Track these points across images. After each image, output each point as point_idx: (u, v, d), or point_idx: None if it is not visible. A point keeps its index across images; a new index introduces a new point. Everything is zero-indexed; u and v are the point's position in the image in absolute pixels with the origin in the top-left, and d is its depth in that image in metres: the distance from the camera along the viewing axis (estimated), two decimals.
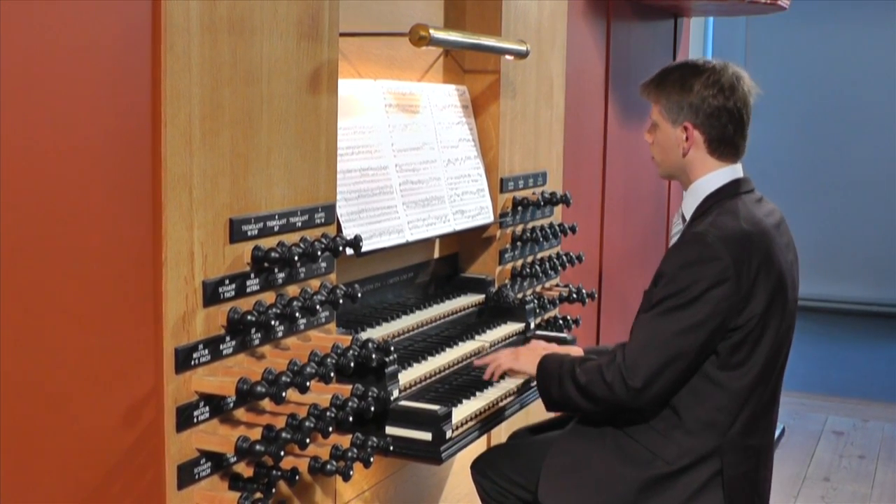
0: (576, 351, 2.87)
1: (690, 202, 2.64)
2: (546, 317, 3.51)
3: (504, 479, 2.77)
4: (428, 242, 3.11)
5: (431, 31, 2.58)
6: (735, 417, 2.52)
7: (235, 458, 2.06)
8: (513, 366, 2.76)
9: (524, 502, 2.76)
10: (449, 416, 2.44)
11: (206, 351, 1.99)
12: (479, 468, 2.84)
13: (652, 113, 2.69)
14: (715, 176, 2.61)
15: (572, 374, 2.55)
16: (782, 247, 2.57)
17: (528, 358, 2.73)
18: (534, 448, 2.81)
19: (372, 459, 2.24)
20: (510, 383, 2.83)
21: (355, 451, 2.20)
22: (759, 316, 2.48)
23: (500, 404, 2.75)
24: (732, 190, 2.60)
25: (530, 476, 2.70)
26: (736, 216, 2.52)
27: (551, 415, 3.00)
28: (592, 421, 2.64)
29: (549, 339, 3.09)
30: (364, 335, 2.59)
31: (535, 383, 2.76)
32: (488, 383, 2.80)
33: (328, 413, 2.13)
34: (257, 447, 1.98)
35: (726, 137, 2.60)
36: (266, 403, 2.14)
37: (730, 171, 2.62)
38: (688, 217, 2.64)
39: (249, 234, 2.08)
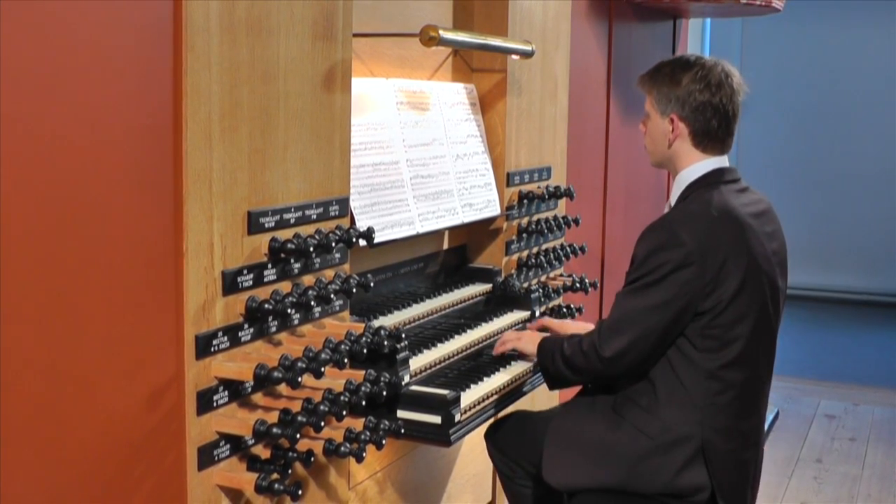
0: (584, 325, 3.01)
1: (676, 191, 2.70)
2: (551, 305, 3.53)
3: (512, 453, 2.85)
4: (437, 234, 3.14)
5: (441, 32, 2.62)
6: (713, 397, 2.55)
7: (253, 441, 2.10)
8: (516, 344, 2.87)
9: (530, 476, 2.85)
10: (458, 400, 2.47)
11: (226, 338, 2.01)
12: (492, 438, 2.93)
13: (646, 103, 2.73)
14: (699, 166, 2.65)
15: (561, 348, 2.68)
16: (761, 234, 2.59)
17: (530, 338, 2.84)
18: (537, 424, 2.89)
19: (384, 442, 2.27)
20: (518, 368, 2.87)
21: (368, 433, 2.23)
22: (728, 301, 2.51)
23: (508, 388, 2.78)
24: (714, 179, 2.63)
25: (532, 456, 2.80)
26: (708, 204, 2.56)
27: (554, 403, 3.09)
28: (586, 395, 2.76)
29: None
30: (376, 323, 2.63)
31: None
32: (496, 369, 2.83)
33: (342, 397, 2.15)
34: (274, 430, 2.01)
35: (710, 131, 2.63)
36: (282, 388, 2.17)
37: (713, 162, 2.66)
38: (673, 205, 2.70)
39: (267, 226, 2.10)
